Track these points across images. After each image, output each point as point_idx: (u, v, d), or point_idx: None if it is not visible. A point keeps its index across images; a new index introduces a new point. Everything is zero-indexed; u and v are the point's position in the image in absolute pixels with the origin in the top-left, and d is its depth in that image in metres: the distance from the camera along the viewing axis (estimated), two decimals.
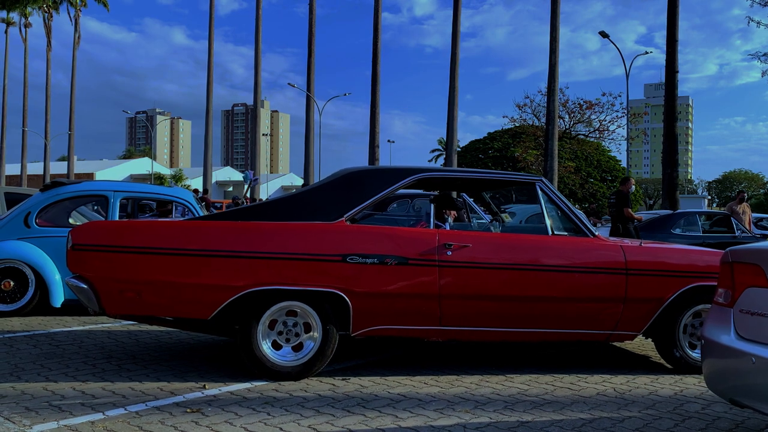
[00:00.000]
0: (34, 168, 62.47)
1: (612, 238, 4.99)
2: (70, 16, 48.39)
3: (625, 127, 40.94)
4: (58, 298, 6.53)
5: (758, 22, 22.98)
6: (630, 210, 10.84)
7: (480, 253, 4.45)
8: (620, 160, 50.02)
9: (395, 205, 13.10)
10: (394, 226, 5.33)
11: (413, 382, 4.36)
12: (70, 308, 6.88)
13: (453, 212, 5.71)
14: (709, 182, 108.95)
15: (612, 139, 39.75)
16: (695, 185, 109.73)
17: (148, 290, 4.14)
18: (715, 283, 4.69)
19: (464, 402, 3.94)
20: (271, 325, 4.32)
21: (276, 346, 4.33)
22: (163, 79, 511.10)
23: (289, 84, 35.84)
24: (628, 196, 11.14)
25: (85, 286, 4.14)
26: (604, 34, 27.20)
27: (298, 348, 4.35)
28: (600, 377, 4.63)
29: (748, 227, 13.71)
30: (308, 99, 34.08)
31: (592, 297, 4.56)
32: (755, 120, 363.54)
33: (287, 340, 4.34)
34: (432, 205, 4.70)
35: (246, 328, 4.23)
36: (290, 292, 4.25)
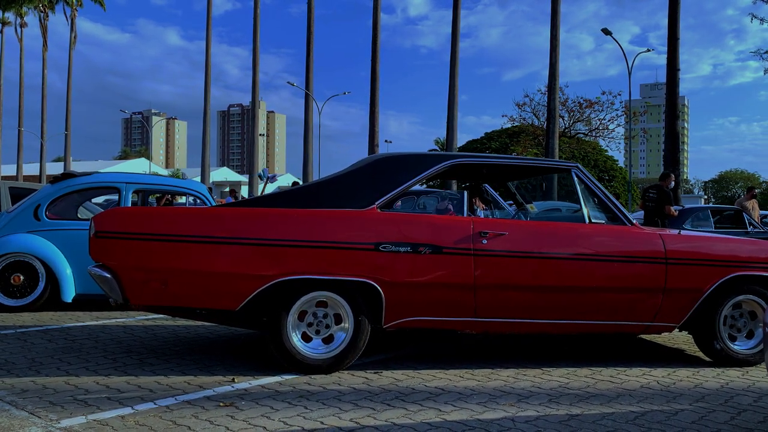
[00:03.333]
0: (29, 169, 62.02)
1: (649, 227, 4.84)
2: (66, 16, 48.13)
3: (624, 126, 40.99)
4: (69, 293, 6.34)
5: (761, 19, 22.94)
6: (671, 207, 10.76)
7: (516, 242, 4.28)
8: (617, 160, 49.99)
9: (400, 203, 12.92)
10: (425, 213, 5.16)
11: (448, 376, 4.19)
12: (82, 303, 6.68)
13: (481, 204, 5.54)
14: (705, 182, 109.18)
15: (612, 138, 39.72)
16: (691, 185, 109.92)
17: (174, 280, 3.96)
18: (758, 273, 4.56)
19: (506, 395, 3.77)
20: (301, 316, 4.14)
21: (306, 338, 4.16)
22: (158, 80, 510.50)
23: (288, 83, 35.64)
24: (670, 192, 11.04)
25: (108, 276, 3.96)
26: (606, 31, 27.10)
27: (328, 340, 4.18)
28: (639, 370, 4.47)
29: (758, 222, 13.59)
30: (307, 97, 33.91)
31: (632, 287, 4.40)
32: (749, 120, 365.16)
33: (317, 332, 4.17)
34: (465, 193, 4.53)
35: (275, 319, 4.05)
36: (321, 281, 4.07)
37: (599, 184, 4.66)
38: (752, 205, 14.28)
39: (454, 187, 24.31)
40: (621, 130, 41.40)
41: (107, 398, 3.52)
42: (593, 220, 4.54)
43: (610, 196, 4.62)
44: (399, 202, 12.24)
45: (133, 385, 3.78)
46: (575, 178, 4.62)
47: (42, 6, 47.41)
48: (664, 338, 5.69)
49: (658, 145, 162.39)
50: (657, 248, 4.46)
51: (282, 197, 4.30)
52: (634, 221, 4.62)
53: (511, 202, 6.15)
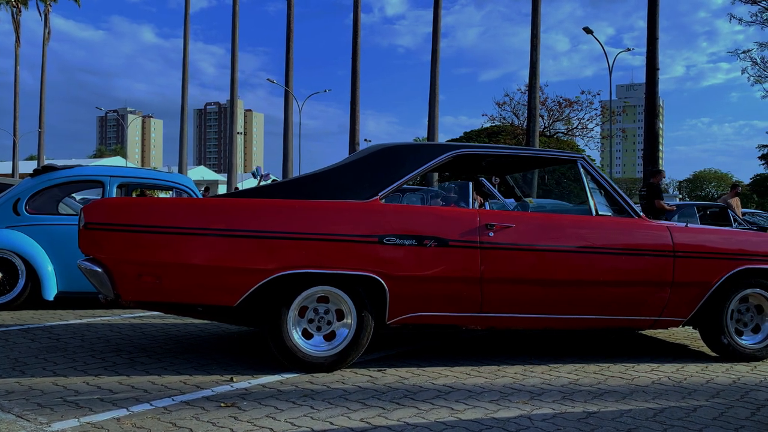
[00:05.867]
0: (1, 167, 60.71)
1: (656, 221, 4.74)
2: (39, 12, 47.17)
3: (602, 125, 41.24)
4: (51, 291, 6.08)
5: (740, 20, 23.16)
6: (662, 201, 10.74)
7: (523, 235, 4.15)
8: (594, 159, 50.28)
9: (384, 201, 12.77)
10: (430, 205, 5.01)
11: (454, 373, 4.05)
12: (64, 301, 6.42)
13: (479, 197, 5.42)
14: (680, 182, 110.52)
15: (591, 137, 39.96)
16: (667, 184, 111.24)
17: (169, 274, 3.75)
18: (766, 266, 4.48)
19: (517, 393, 3.63)
20: (301, 312, 3.97)
21: (306, 335, 3.98)
22: (133, 77, 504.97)
23: (268, 80, 35.29)
24: (660, 188, 11.05)
25: (99, 270, 3.74)
26: (588, 30, 27.19)
27: (330, 337, 4.00)
28: (648, 366, 4.36)
29: (741, 219, 13.67)
30: (287, 94, 33.58)
31: (640, 281, 4.29)
32: (721, 121, 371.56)
33: (318, 329, 4.00)
34: (470, 184, 4.39)
35: (275, 315, 3.87)
36: (323, 276, 3.90)
37: (606, 176, 4.55)
38: (735, 202, 14.38)
39: (436, 184, 24.17)
40: (599, 130, 41.66)
41: (99, 399, 3.31)
42: (600, 213, 4.42)
43: (617, 188, 4.51)
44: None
45: (126, 386, 3.58)
46: (581, 170, 4.50)
47: (15, 1, 46.43)
48: (666, 334, 5.60)
49: (634, 145, 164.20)
50: (665, 241, 4.35)
51: (281, 188, 4.12)
52: (642, 214, 4.52)
53: (512, 201, 6.02)
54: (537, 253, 4.16)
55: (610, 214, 4.48)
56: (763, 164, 59.72)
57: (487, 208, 4.40)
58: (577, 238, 4.24)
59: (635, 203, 11.14)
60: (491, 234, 4.09)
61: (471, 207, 4.34)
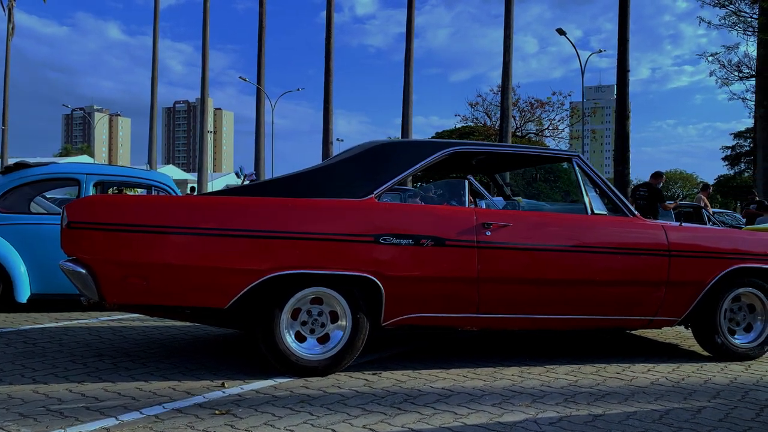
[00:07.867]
0: None
1: (651, 220, 4.71)
2: (3, 7, 45.95)
3: (572, 126, 41.67)
4: (24, 293, 5.84)
5: (709, 23, 23.53)
6: (666, 203, 10.92)
7: (520, 234, 4.07)
8: None
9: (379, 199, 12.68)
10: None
11: (451, 376, 3.95)
12: (38, 303, 6.18)
13: (470, 197, 5.34)
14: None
15: (561, 138, 40.37)
16: (634, 185, 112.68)
17: (157, 275, 3.59)
18: (759, 265, 4.47)
19: (518, 395, 3.55)
20: (294, 314, 3.83)
21: (299, 337, 3.85)
22: (99, 75, 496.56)
23: (240, 77, 34.86)
24: (661, 190, 11.19)
25: (83, 271, 3.56)
26: (561, 31, 27.38)
27: (324, 339, 3.88)
28: (644, 366, 4.32)
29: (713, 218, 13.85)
30: (259, 93, 33.23)
31: (637, 280, 4.25)
32: (686, 123, 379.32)
33: (312, 331, 3.87)
34: (466, 182, 4.30)
35: (267, 318, 3.72)
36: (318, 276, 3.77)
37: (600, 174, 4.50)
38: (706, 201, 14.58)
39: (409, 184, 24.09)
40: (569, 130, 42.13)
41: (85, 408, 3.14)
42: (596, 211, 4.37)
43: (612, 187, 4.46)
44: None
45: (112, 393, 3.41)
46: (576, 168, 4.44)
47: None
48: (656, 333, 5.58)
49: (602, 146, 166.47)
50: (660, 240, 4.32)
51: (273, 186, 3.97)
52: (636, 213, 4.47)
53: (500, 199, 5.95)
54: (534, 253, 4.08)
55: (605, 213, 4.43)
56: (726, 165, 60.97)
57: (483, 206, 4.30)
58: (574, 237, 4.18)
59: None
60: (488, 233, 4.00)
61: (467, 206, 4.25)
